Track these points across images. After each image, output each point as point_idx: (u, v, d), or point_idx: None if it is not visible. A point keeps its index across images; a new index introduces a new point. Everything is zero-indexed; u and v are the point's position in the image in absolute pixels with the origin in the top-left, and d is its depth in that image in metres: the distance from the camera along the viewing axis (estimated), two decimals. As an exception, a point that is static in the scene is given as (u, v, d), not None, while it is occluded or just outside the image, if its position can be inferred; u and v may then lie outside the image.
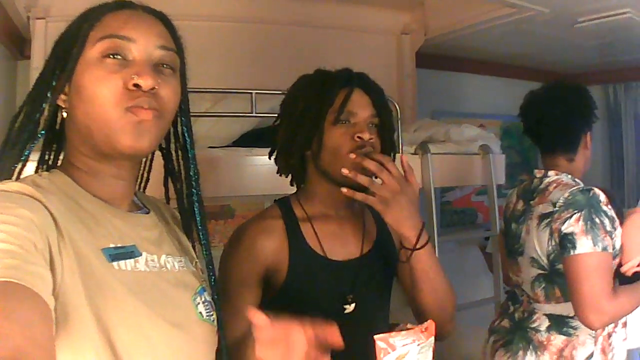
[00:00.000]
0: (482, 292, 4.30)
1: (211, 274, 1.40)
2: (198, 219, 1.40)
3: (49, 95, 1.20)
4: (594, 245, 2.21)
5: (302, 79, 1.93)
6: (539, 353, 2.44)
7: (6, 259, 0.89)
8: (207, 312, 1.30)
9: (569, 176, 2.48)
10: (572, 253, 2.24)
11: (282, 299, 1.87)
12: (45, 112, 1.21)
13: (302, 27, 4.17)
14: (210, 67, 3.76)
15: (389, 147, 1.92)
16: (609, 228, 2.26)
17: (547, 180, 2.51)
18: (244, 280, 1.84)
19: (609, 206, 2.32)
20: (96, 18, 1.19)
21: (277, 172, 1.99)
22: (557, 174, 2.49)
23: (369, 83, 1.89)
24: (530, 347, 2.47)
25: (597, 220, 2.25)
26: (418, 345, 1.63)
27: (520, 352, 2.49)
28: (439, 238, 3.53)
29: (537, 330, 2.48)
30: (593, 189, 2.33)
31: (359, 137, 1.79)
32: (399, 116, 2.95)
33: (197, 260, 1.42)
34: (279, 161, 1.95)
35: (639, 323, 2.76)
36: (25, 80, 3.43)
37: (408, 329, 1.65)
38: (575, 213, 2.28)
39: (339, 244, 1.91)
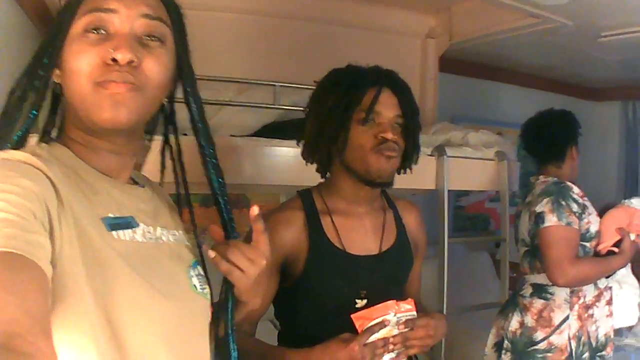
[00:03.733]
0: (490, 297, 4.33)
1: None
2: (216, 184, 1.40)
3: (40, 72, 1.18)
4: (559, 220, 2.83)
5: (334, 73, 1.97)
6: (523, 314, 3.03)
7: (5, 228, 0.89)
8: (201, 285, 1.30)
9: (555, 179, 3.03)
10: (541, 226, 2.87)
11: (298, 289, 1.93)
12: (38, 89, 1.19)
13: (329, 25, 4.20)
14: (236, 58, 3.82)
15: (412, 147, 1.97)
16: (575, 209, 2.88)
17: (537, 182, 3.10)
18: None
19: (584, 198, 2.97)
20: None
21: (305, 161, 2.02)
22: (545, 178, 3.08)
23: (398, 82, 1.93)
24: (517, 309, 3.06)
25: (563, 202, 2.87)
26: (395, 315, 1.71)
27: (509, 314, 3.07)
28: (449, 240, 3.57)
29: (523, 296, 3.07)
30: (565, 183, 2.98)
31: (382, 136, 1.84)
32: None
33: (188, 236, 1.41)
34: (306, 152, 1.99)
35: (629, 303, 3.10)
36: None
37: (383, 303, 1.72)
38: (546, 197, 2.92)
39: (358, 239, 1.96)
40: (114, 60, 1.11)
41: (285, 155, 2.92)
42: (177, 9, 1.27)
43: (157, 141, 1.43)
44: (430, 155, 3.41)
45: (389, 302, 1.72)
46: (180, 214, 1.46)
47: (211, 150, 1.38)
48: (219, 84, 3.15)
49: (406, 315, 1.75)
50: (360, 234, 1.97)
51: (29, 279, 0.87)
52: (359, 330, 1.68)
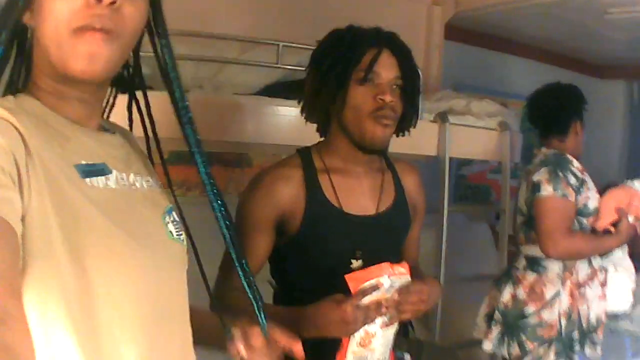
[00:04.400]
0: (487, 269, 4.35)
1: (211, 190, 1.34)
2: (192, 139, 1.32)
3: (14, 13, 1.11)
4: (554, 191, 2.86)
5: (334, 33, 1.95)
6: (515, 287, 3.06)
7: None
8: (176, 232, 1.28)
9: (556, 151, 3.05)
10: (537, 195, 2.90)
11: (294, 247, 1.93)
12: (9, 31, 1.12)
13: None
14: (239, 16, 3.79)
15: (410, 109, 1.95)
16: (572, 182, 2.89)
17: (540, 153, 3.12)
18: (259, 224, 1.90)
19: (584, 173, 2.98)
20: None
21: (305, 120, 2.01)
22: (547, 150, 3.09)
23: (398, 44, 1.91)
24: (510, 281, 3.09)
25: (560, 174, 2.89)
26: (389, 277, 1.71)
27: (503, 286, 3.10)
28: (449, 208, 3.57)
29: (517, 268, 3.10)
30: (565, 155, 3.00)
31: (380, 98, 1.82)
32: (421, 84, 3.00)
33: (161, 183, 1.37)
34: (305, 111, 1.98)
35: (623, 287, 3.11)
36: None
37: (377, 265, 1.72)
38: (544, 167, 2.95)
39: (355, 199, 1.95)
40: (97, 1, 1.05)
41: (288, 115, 2.90)
42: None
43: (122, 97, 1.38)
44: (433, 122, 3.40)
45: (383, 264, 1.72)
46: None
47: (185, 103, 1.31)
48: (221, 42, 3.13)
49: (400, 279, 1.75)
50: (357, 194, 1.97)
51: None
52: (353, 292, 1.67)
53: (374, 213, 1.97)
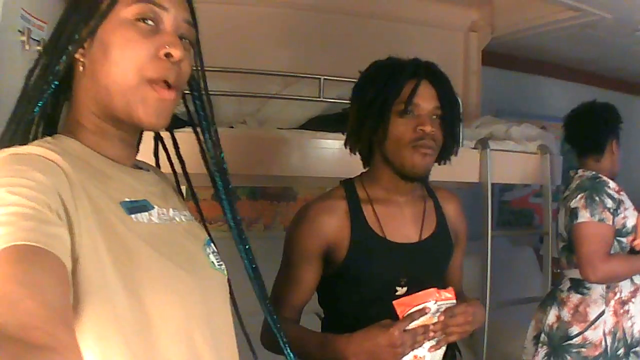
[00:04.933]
0: (533, 292, 4.33)
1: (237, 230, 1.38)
2: (220, 186, 1.37)
3: (70, 47, 1.15)
4: (592, 216, 2.86)
5: (374, 65, 2.00)
6: (560, 308, 3.04)
7: (22, 221, 0.87)
8: (217, 262, 1.31)
9: (591, 173, 3.03)
10: (575, 222, 2.90)
11: (341, 276, 1.96)
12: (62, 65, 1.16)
13: (372, 19, 4.24)
14: (281, 51, 3.87)
15: (450, 139, 1.98)
16: (609, 205, 2.89)
17: (575, 176, 3.12)
18: (307, 254, 1.94)
19: (621, 193, 2.98)
20: None
21: (349, 152, 2.05)
22: (583, 172, 3.08)
23: (437, 74, 1.95)
24: (555, 304, 3.07)
25: (597, 198, 2.89)
26: (435, 302, 1.72)
27: (548, 308, 3.09)
28: (493, 234, 3.58)
29: (561, 291, 3.08)
30: (601, 177, 2.99)
31: (420, 129, 1.86)
32: (461, 111, 3.03)
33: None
34: (349, 142, 2.03)
35: None
36: None
37: (424, 291, 1.74)
38: (580, 192, 2.94)
39: (398, 227, 1.98)
40: (167, 55, 1.13)
41: (331, 147, 2.96)
42: (197, 17, 1.27)
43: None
44: (474, 149, 3.43)
45: (430, 289, 1.74)
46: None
47: (215, 152, 1.36)
48: (264, 77, 3.21)
49: (446, 304, 1.77)
50: (400, 222, 2.00)
51: (47, 272, 0.85)
52: (400, 317, 1.71)
53: (417, 240, 2.00)
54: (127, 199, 1.14)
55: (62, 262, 0.89)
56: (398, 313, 1.71)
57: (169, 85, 1.15)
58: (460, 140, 2.11)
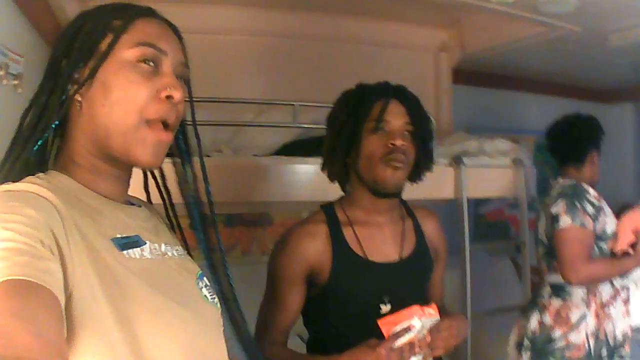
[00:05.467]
0: (512, 301, 4.38)
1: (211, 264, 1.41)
2: (198, 222, 1.40)
3: (69, 87, 1.17)
4: (573, 221, 2.94)
5: (345, 93, 2.07)
6: (541, 314, 3.11)
7: (15, 256, 0.88)
8: (210, 295, 1.32)
9: (574, 181, 3.13)
10: (556, 227, 2.99)
11: (325, 297, 2.01)
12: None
13: (342, 43, 4.27)
14: (252, 79, 3.91)
15: (423, 154, 2.04)
16: (589, 210, 2.98)
17: (556, 184, 3.21)
18: (291, 278, 1.99)
19: (600, 200, 3.07)
20: (129, 20, 1.20)
21: (327, 177, 2.10)
22: (564, 180, 3.18)
23: (405, 94, 2.02)
24: (536, 309, 3.14)
25: (577, 204, 2.98)
26: (419, 319, 1.76)
27: (529, 314, 3.16)
28: (470, 247, 3.63)
29: (542, 297, 3.15)
30: (581, 185, 3.08)
31: (391, 143, 1.92)
32: (433, 128, 3.08)
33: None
34: (325, 168, 2.08)
35: None
36: None
37: (407, 308, 1.77)
38: (561, 199, 3.03)
39: (379, 248, 2.03)
40: (168, 97, 1.18)
41: (307, 173, 3.01)
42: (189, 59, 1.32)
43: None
44: (448, 166, 3.48)
45: (413, 307, 1.78)
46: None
47: (196, 183, 1.40)
48: (239, 105, 3.24)
49: (430, 320, 1.81)
50: (380, 243, 2.05)
51: (42, 306, 0.87)
52: (386, 335, 1.74)
53: (398, 259, 2.05)
54: (118, 235, 1.16)
55: (56, 297, 0.90)
56: (383, 332, 1.75)
57: (166, 126, 1.19)
58: (434, 156, 2.16)
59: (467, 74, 5.12)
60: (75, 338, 0.98)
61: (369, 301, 1.95)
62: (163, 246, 1.28)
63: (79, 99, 1.18)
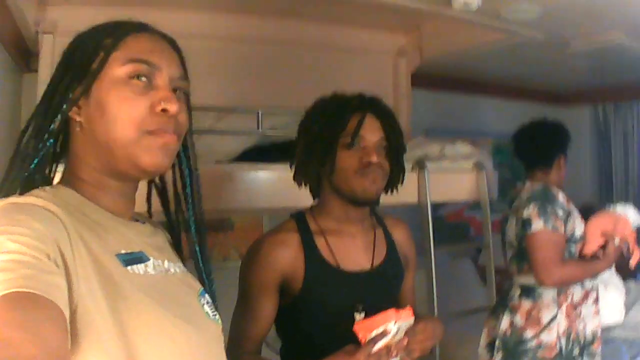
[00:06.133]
0: (476, 302, 4.44)
1: (211, 287, 1.43)
2: (194, 236, 1.42)
3: (64, 106, 1.19)
4: (545, 225, 3.00)
5: (319, 102, 2.06)
6: (512, 315, 3.16)
7: (21, 269, 0.89)
8: (212, 312, 1.33)
9: (542, 184, 3.19)
10: (528, 231, 3.04)
11: (298, 306, 2.00)
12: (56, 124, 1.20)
13: (302, 47, 4.23)
14: (210, 84, 3.86)
15: (396, 168, 2.05)
16: (560, 214, 3.05)
17: (524, 188, 3.27)
18: (263, 288, 1.97)
19: (569, 203, 3.16)
20: (119, 37, 1.20)
21: (297, 185, 2.11)
22: (532, 184, 3.24)
23: (381, 107, 2.02)
24: (506, 310, 3.19)
25: (549, 208, 3.04)
26: (395, 323, 1.74)
27: (500, 315, 3.21)
28: (435, 251, 3.63)
29: (512, 298, 3.21)
30: (551, 189, 3.14)
31: (366, 160, 1.93)
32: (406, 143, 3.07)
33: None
34: (297, 176, 2.08)
35: (614, 303, 3.27)
36: (31, 94, 3.39)
37: (383, 313, 1.74)
38: (532, 203, 3.08)
39: (351, 257, 2.03)
40: (163, 110, 1.18)
41: (270, 179, 2.98)
42: (188, 71, 1.33)
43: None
44: (411, 171, 3.47)
45: (388, 311, 1.76)
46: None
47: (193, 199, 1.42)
48: (198, 112, 3.19)
49: (406, 323, 1.80)
50: (352, 252, 2.05)
51: (47, 318, 0.88)
52: (362, 341, 1.72)
53: (369, 268, 2.05)
54: (123, 251, 1.16)
55: (60, 309, 0.91)
56: (360, 337, 1.73)
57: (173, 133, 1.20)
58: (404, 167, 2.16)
59: (424, 78, 5.14)
60: (78, 350, 0.99)
61: (342, 310, 1.94)
62: (166, 262, 1.29)
63: (78, 118, 1.20)
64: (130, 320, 1.07)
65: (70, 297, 0.97)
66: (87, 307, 1.01)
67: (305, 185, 2.09)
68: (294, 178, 2.09)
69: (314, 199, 2.13)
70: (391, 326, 1.75)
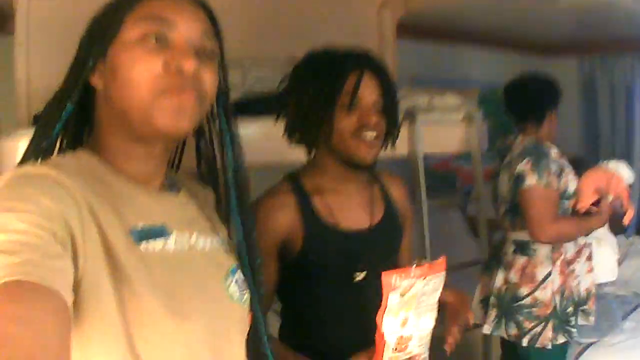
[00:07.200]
0: (466, 254, 4.41)
1: (246, 254, 1.39)
2: (234, 202, 1.38)
3: (83, 73, 1.18)
4: (538, 180, 3.02)
5: (311, 58, 2.01)
6: (506, 271, 3.23)
7: (26, 253, 0.88)
8: (240, 293, 1.30)
9: (534, 139, 3.24)
10: (521, 186, 3.08)
11: (297, 268, 1.99)
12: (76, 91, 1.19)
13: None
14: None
15: (392, 126, 2.04)
16: (553, 170, 3.08)
17: (516, 142, 3.32)
18: (264, 253, 1.89)
19: (562, 158, 3.19)
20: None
21: (289, 141, 2.07)
22: (524, 138, 3.29)
23: (377, 64, 1.99)
24: (501, 267, 3.27)
25: (542, 163, 3.06)
26: (424, 279, 1.68)
27: (494, 271, 3.29)
28: (428, 202, 3.62)
29: (506, 253, 3.27)
30: (543, 144, 3.19)
31: (365, 121, 1.91)
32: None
33: (230, 240, 1.41)
34: (289, 134, 2.04)
35: (608, 260, 3.35)
36: (7, 57, 3.19)
37: (417, 265, 1.67)
38: (525, 158, 3.11)
39: (349, 215, 2.03)
40: (178, 70, 1.13)
41: (256, 134, 2.89)
42: (220, 28, 1.30)
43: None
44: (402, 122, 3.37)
45: (424, 265, 1.69)
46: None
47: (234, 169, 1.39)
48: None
49: (438, 279, 1.75)
50: (350, 210, 2.05)
51: (47, 310, 0.86)
52: (385, 291, 1.64)
53: (368, 226, 2.05)
54: (140, 224, 1.14)
55: (64, 301, 0.90)
56: (383, 288, 1.64)
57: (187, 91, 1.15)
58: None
59: (409, 28, 5.03)
60: (81, 323, 1.00)
61: (342, 270, 1.96)
62: (194, 236, 1.25)
63: (98, 84, 1.19)
64: (132, 306, 1.05)
65: (75, 275, 0.96)
66: (91, 285, 1.00)
67: (296, 142, 2.05)
68: (287, 135, 2.05)
69: (307, 156, 2.10)
70: (419, 281, 1.68)
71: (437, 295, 1.79)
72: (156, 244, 1.14)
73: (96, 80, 1.19)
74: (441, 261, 1.76)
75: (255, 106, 2.88)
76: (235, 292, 1.28)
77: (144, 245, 1.12)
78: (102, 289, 1.01)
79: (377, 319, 1.66)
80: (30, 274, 0.85)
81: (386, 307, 1.63)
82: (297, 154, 2.14)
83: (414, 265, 1.67)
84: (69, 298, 0.92)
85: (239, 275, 1.32)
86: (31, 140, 1.19)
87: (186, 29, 1.17)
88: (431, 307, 1.79)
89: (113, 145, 1.20)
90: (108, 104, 1.18)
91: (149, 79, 1.12)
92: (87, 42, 1.20)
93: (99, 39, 1.17)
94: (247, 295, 1.32)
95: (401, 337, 1.72)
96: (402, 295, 1.65)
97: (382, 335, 1.68)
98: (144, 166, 1.23)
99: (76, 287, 0.97)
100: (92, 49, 1.18)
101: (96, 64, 1.17)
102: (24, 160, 1.17)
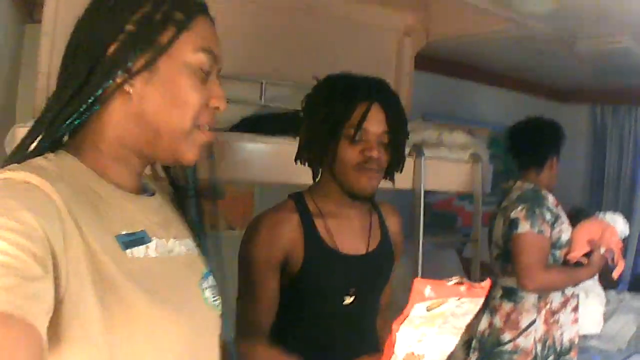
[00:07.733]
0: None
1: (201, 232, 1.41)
2: (192, 191, 1.42)
3: (118, 74, 1.11)
4: (532, 228, 3.00)
5: (328, 82, 2.04)
6: (492, 315, 3.19)
7: (3, 277, 0.85)
8: (213, 297, 1.30)
9: (532, 185, 3.20)
10: (514, 232, 3.04)
11: (294, 287, 2.01)
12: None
13: (311, 18, 4.15)
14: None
15: (396, 161, 2.06)
16: (548, 218, 3.05)
17: (515, 185, 3.30)
18: (268, 266, 1.98)
19: (558, 207, 3.16)
20: (190, 15, 1.16)
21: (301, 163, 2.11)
22: (523, 183, 3.26)
23: (387, 96, 2.01)
24: (486, 310, 3.22)
25: (537, 211, 3.04)
26: (458, 299, 1.42)
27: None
28: (423, 240, 3.61)
29: (493, 298, 3.23)
30: (541, 191, 3.16)
31: (367, 154, 1.93)
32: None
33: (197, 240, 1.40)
34: (301, 156, 2.08)
35: (594, 312, 3.41)
36: (33, 45, 3.14)
37: (457, 283, 1.40)
38: (521, 204, 3.09)
39: (348, 240, 2.06)
40: (215, 109, 1.20)
41: (267, 152, 2.91)
42: None
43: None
44: (408, 155, 3.38)
45: (464, 285, 1.40)
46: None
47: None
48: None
49: (471, 304, 1.46)
50: (350, 235, 2.08)
51: (20, 346, 0.84)
52: (412, 298, 1.36)
53: (365, 252, 2.08)
54: (124, 232, 1.12)
55: (38, 332, 0.87)
56: (412, 291, 1.36)
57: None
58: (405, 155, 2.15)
59: (426, 60, 5.04)
60: (60, 343, 0.97)
61: (335, 292, 1.99)
62: (171, 241, 1.25)
63: (129, 89, 1.14)
64: (121, 313, 1.04)
65: (56, 296, 0.94)
66: (73, 305, 0.97)
67: (305, 164, 2.09)
68: (297, 157, 2.10)
69: (314, 180, 2.12)
70: (453, 300, 1.41)
71: (467, 320, 1.51)
72: (139, 251, 1.14)
73: (127, 85, 1.13)
74: (485, 285, 1.45)
75: (269, 123, 2.91)
76: (209, 296, 1.29)
77: (129, 251, 1.11)
78: (87, 307, 0.99)
79: (394, 324, 1.42)
80: (6, 303, 0.84)
81: (407, 315, 1.39)
82: (305, 177, 2.16)
83: (453, 281, 1.41)
84: (43, 328, 0.89)
85: (211, 279, 1.33)
86: (32, 135, 1.13)
87: (219, 64, 1.23)
88: (456, 331, 1.53)
89: (109, 150, 1.18)
90: (135, 114, 1.15)
91: (196, 108, 1.16)
92: (121, 39, 1.12)
93: (144, 44, 1.12)
94: (219, 300, 1.33)
95: (412, 353, 1.49)
96: (429, 309, 1.40)
97: (393, 344, 1.44)
98: (127, 174, 1.22)
99: (57, 308, 0.95)
100: (135, 51, 1.12)
101: (139, 70, 1.12)
102: (16, 155, 1.11)
